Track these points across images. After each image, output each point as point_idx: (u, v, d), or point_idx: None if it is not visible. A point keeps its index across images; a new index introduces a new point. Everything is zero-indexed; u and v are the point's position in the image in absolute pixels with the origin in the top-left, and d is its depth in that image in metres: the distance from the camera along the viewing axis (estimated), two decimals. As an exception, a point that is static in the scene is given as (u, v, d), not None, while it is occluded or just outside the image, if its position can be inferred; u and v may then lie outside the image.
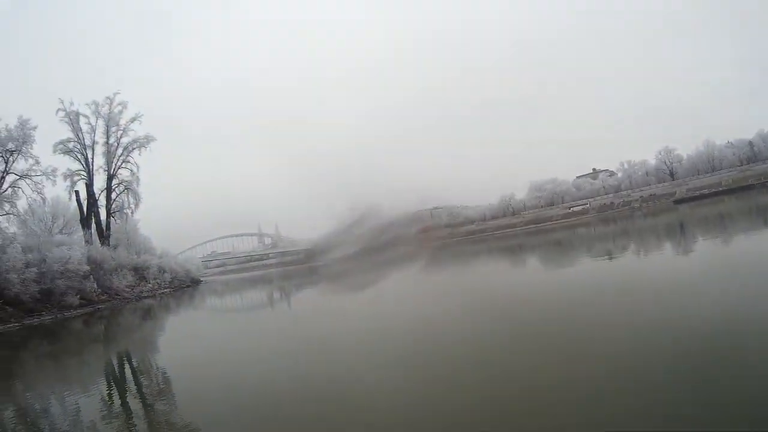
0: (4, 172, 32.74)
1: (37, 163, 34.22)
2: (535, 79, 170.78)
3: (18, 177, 33.47)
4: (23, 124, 33.27)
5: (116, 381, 10.28)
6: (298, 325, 15.20)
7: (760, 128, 71.22)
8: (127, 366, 12.32)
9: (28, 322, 23.28)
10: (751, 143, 70.95)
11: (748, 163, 68.65)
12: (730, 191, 57.28)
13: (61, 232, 37.10)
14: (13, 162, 33.28)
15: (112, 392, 8.97)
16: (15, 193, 33.39)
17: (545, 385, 5.46)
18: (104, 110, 41.97)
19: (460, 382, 6.16)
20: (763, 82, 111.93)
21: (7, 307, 23.25)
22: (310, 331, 12.96)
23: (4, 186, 32.83)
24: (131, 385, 9.74)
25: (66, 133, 40.63)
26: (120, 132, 42.27)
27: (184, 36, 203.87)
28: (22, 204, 34.33)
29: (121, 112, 42.38)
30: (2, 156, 32.72)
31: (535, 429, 4.38)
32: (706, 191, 63.01)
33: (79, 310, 27.09)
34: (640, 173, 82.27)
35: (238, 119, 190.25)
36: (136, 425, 6.57)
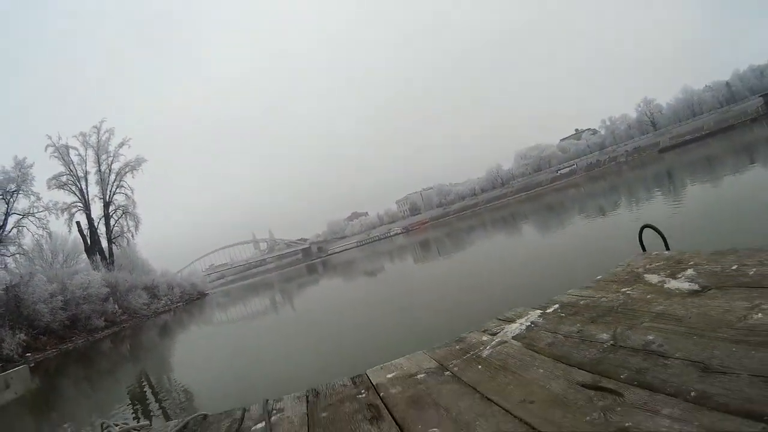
0: (5, 214, 33.34)
1: (39, 199, 35.20)
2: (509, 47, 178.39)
3: (21, 216, 34.30)
4: (20, 164, 34.09)
5: (146, 396, 10.37)
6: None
7: (735, 68, 72.02)
8: (152, 380, 12.45)
9: (63, 347, 24.91)
10: (728, 84, 71.24)
11: (728, 105, 68.64)
12: (713, 134, 56.56)
13: (62, 266, 36.84)
14: (14, 202, 33.96)
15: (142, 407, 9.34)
16: (20, 232, 34.21)
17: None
18: (92, 140, 42.52)
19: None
20: (734, 25, 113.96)
21: (41, 336, 24.91)
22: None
23: (8, 227, 33.50)
24: (159, 397, 9.83)
25: (59, 168, 41.02)
26: (110, 158, 42.94)
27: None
28: (27, 242, 34.86)
29: (108, 139, 42.97)
30: (3, 198, 33.60)
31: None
32: (689, 137, 61.78)
33: (106, 331, 28.55)
34: (622, 128, 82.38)
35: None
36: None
